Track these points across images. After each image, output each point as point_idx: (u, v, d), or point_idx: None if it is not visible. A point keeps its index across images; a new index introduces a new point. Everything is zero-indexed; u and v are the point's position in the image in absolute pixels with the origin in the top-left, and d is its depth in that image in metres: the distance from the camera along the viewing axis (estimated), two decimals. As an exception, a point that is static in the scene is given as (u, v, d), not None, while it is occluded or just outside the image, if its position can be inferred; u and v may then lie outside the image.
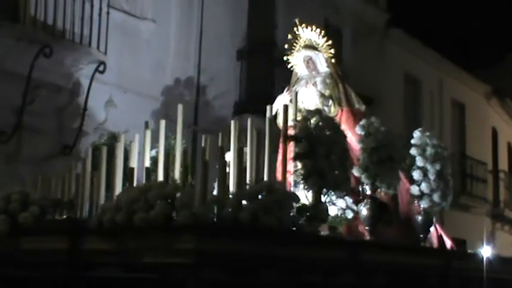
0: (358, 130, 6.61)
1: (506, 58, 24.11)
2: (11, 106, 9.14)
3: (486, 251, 7.78)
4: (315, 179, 5.74)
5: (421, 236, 7.21)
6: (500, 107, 22.78)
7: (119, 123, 9.30)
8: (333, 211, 6.88)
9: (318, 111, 6.04)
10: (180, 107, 6.30)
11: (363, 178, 6.45)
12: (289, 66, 8.02)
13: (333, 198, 6.85)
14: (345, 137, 6.09)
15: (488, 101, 22.19)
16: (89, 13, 9.63)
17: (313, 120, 5.98)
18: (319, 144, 5.80)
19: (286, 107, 6.19)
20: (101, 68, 9.60)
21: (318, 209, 5.79)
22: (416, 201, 7.21)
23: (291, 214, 5.29)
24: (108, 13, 9.84)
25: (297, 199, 5.52)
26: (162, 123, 6.28)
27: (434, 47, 18.90)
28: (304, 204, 5.61)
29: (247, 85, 13.11)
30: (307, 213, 5.60)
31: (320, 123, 5.94)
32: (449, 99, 20.29)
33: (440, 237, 7.83)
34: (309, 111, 6.06)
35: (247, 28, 13.34)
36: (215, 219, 4.80)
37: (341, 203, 6.93)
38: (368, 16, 16.82)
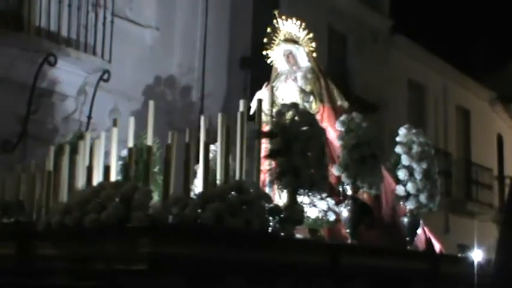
0: (338, 126, 6.20)
1: (511, 64, 23.82)
2: (15, 115, 9.00)
3: (477, 255, 7.37)
4: (289, 177, 5.32)
5: (407, 239, 6.80)
6: (505, 113, 22.58)
7: (124, 131, 9.16)
8: (313, 213, 6.49)
9: (293, 105, 5.62)
10: (151, 104, 5.92)
11: (343, 177, 6.03)
12: (268, 61, 7.61)
13: (314, 199, 6.51)
14: (323, 132, 5.67)
15: (493, 107, 22.02)
16: (93, 22, 9.65)
17: (288, 115, 5.57)
18: (294, 141, 5.39)
19: (260, 102, 5.79)
20: (105, 77, 9.61)
21: (293, 210, 5.38)
22: (402, 202, 6.78)
23: (262, 216, 4.87)
24: (112, 22, 9.87)
25: (269, 200, 5.12)
26: (131, 120, 5.93)
27: (438, 53, 18.78)
28: (277, 205, 5.19)
29: (251, 93, 12.85)
30: (281, 215, 5.18)
31: (296, 118, 5.53)
32: (454, 105, 20.20)
33: (428, 241, 7.42)
34: (283, 105, 5.65)
35: (251, 36, 13.06)
36: (175, 221, 4.38)
37: (322, 204, 6.53)
38: (372, 23, 16.71)
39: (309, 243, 5.59)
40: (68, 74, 9.38)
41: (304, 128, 5.48)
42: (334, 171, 6.05)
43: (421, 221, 7.12)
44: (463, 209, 19.22)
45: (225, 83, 12.28)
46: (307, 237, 5.82)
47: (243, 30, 12.91)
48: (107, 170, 5.19)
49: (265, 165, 5.61)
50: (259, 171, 5.45)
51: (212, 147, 6.52)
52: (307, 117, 5.56)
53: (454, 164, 19.75)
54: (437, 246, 7.42)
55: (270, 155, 5.39)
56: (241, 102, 5.81)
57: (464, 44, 22.18)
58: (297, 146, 5.35)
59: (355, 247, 5.87)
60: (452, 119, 20.07)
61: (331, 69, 15.21)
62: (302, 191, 5.44)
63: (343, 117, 6.24)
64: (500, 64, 23.44)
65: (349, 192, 6.14)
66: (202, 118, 5.64)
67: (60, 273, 4.36)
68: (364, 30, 16.42)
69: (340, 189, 6.20)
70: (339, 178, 6.19)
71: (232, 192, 4.80)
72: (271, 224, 5.04)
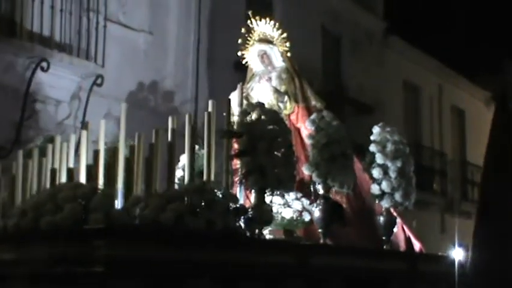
0: (308, 125, 6.14)
1: (506, 63, 23.71)
2: (9, 121, 8.95)
3: (457, 253, 7.29)
4: (255, 177, 5.26)
5: (384, 238, 6.73)
6: (500, 113, 22.51)
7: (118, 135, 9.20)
8: (288, 214, 6.43)
9: (259, 105, 5.56)
10: (123, 106, 5.86)
11: (314, 176, 5.97)
12: (244, 62, 7.55)
13: (288, 199, 6.46)
14: (289, 131, 5.61)
15: (488, 107, 21.96)
16: (86, 26, 9.67)
17: (254, 114, 5.51)
18: (259, 140, 5.32)
19: (229, 101, 5.74)
20: (99, 81, 9.61)
21: (260, 210, 5.31)
22: (377, 201, 6.72)
23: (226, 216, 4.81)
24: (105, 26, 9.87)
25: (235, 200, 5.05)
26: (102, 123, 5.88)
27: (433, 53, 18.79)
28: (242, 206, 5.12)
29: (246, 96, 12.87)
30: (247, 215, 5.12)
31: (262, 117, 5.47)
32: (449, 105, 20.22)
33: (408, 240, 7.35)
34: (249, 105, 5.59)
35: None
36: (133, 222, 4.32)
37: (297, 204, 6.48)
38: (366, 24, 16.70)
39: (276, 243, 5.52)
40: (61, 79, 9.37)
41: (270, 127, 5.42)
42: (304, 170, 5.99)
43: (399, 220, 7.06)
44: (459, 209, 19.17)
45: (218, 86, 12.14)
46: (277, 238, 5.75)
47: (236, 32, 12.90)
48: (70, 172, 5.12)
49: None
50: (227, 171, 5.41)
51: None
52: (273, 116, 5.50)
53: (449, 164, 19.71)
54: (417, 245, 7.35)
55: (237, 155, 5.33)
56: (210, 103, 5.76)
57: (459, 44, 22.15)
58: (262, 145, 5.29)
59: (326, 247, 5.81)
60: (447, 119, 20.09)
61: (326, 71, 15.36)
62: (269, 190, 5.37)
63: (313, 116, 6.18)
64: (496, 64, 23.30)
65: (321, 191, 6.07)
66: (170, 118, 5.57)
67: (17, 278, 4.28)
68: (359, 31, 16.40)
69: (312, 188, 6.12)
70: (310, 177, 6.12)
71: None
72: (237, 224, 4.98)
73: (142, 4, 11.00)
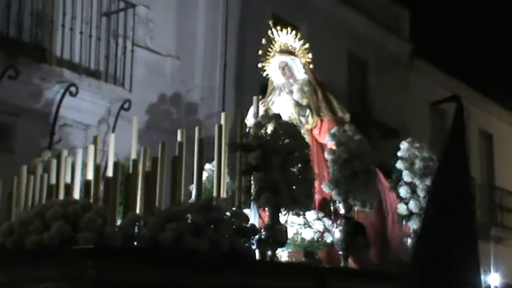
0: (329, 139, 5.72)
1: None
2: (38, 145, 8.79)
3: (493, 279, 6.81)
4: (267, 194, 4.86)
5: (411, 262, 6.25)
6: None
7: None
8: (309, 234, 6.01)
9: (275, 116, 5.17)
10: (135, 120, 5.57)
11: (334, 195, 5.54)
12: (264, 74, 7.17)
13: (309, 219, 6.04)
14: (307, 145, 5.19)
15: (517, 131, 21.55)
16: (114, 51, 9.72)
17: (270, 127, 5.13)
18: (274, 154, 4.93)
19: (242, 113, 5.38)
20: (126, 106, 9.59)
21: (274, 230, 4.91)
22: (404, 222, 6.26)
23: (232, 236, 4.41)
24: (132, 51, 9.91)
25: (244, 219, 4.66)
26: (112, 137, 5.60)
27: (459, 76, 18.48)
28: (253, 225, 4.72)
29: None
30: (258, 236, 4.71)
31: (278, 130, 5.07)
32: (477, 129, 19.87)
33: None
34: (264, 116, 5.19)
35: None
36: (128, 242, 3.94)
37: (318, 225, 6.05)
38: (392, 47, 16.56)
39: (289, 266, 5.09)
40: (90, 104, 9.43)
41: (286, 141, 5.03)
42: (324, 187, 5.57)
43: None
44: (488, 235, 18.64)
45: (245, 110, 12.10)
46: (291, 261, 5.34)
47: (262, 57, 12.77)
48: (67, 188, 4.78)
49: None
50: (240, 188, 5.03)
51: (208, 166, 6.12)
52: (290, 129, 5.10)
53: (477, 189, 19.28)
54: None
55: (248, 170, 4.93)
56: (222, 115, 5.41)
57: (486, 67, 21.85)
58: (276, 160, 4.90)
59: (346, 270, 5.36)
60: (475, 143, 19.71)
61: (351, 94, 15.30)
62: (284, 209, 4.97)
63: (334, 130, 5.77)
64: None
65: (342, 210, 5.64)
66: (179, 132, 5.23)
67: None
68: (384, 54, 16.31)
69: (332, 208, 5.70)
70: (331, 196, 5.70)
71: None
72: (246, 245, 4.58)
73: (170, 29, 11.04)
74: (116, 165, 4.79)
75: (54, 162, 5.41)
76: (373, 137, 14.18)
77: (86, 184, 4.64)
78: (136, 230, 4.16)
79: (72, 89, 8.94)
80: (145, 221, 4.18)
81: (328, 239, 5.94)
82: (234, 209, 4.72)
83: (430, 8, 18.85)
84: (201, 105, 11.44)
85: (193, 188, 5.67)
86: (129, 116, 9.54)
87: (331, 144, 5.80)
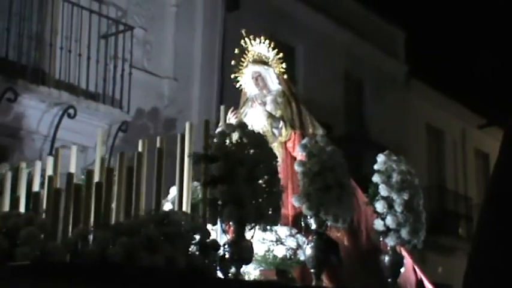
0: (300, 151, 5.42)
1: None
2: None
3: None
4: (231, 208, 4.55)
5: (389, 280, 5.95)
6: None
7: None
8: (281, 252, 5.70)
9: (240, 125, 4.87)
10: (100, 131, 5.29)
11: (304, 209, 5.23)
12: (237, 85, 6.90)
13: (282, 235, 5.74)
14: (274, 156, 4.89)
15: (513, 151, 21.41)
16: (112, 74, 9.83)
17: (234, 137, 4.83)
18: (238, 165, 4.63)
19: (207, 122, 5.08)
20: (124, 127, 9.72)
21: (237, 246, 4.60)
22: (381, 238, 5.96)
23: (189, 252, 4.10)
24: (130, 73, 9.98)
25: (205, 234, 4.35)
26: (74, 149, 5.43)
27: (456, 97, 18.58)
28: (214, 241, 4.41)
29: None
30: (219, 252, 4.40)
31: (243, 140, 4.78)
32: (473, 149, 19.93)
33: (420, 283, 6.56)
34: (228, 125, 4.90)
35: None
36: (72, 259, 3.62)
37: (291, 242, 5.74)
38: (388, 68, 16.63)
39: (252, 285, 4.76)
40: (88, 126, 9.41)
41: (252, 151, 4.73)
42: (294, 201, 5.26)
43: (409, 260, 6.30)
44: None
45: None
46: (259, 279, 5.01)
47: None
48: (16, 200, 4.47)
49: None
50: (204, 201, 4.73)
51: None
52: (256, 139, 4.80)
53: (474, 209, 19.08)
54: (430, 290, 6.56)
55: (209, 182, 4.62)
56: (186, 125, 5.13)
57: (482, 87, 21.83)
58: (241, 172, 4.59)
59: (316, 290, 5.04)
60: (471, 163, 19.77)
61: (348, 114, 15.40)
62: (249, 224, 4.66)
63: (305, 140, 5.47)
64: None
65: (314, 226, 5.33)
66: (140, 142, 4.94)
67: None
68: (381, 75, 16.32)
69: (303, 223, 5.39)
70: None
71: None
72: (206, 262, 4.26)
73: (167, 51, 11.12)
74: (70, 176, 4.49)
75: (7, 176, 5.14)
76: (369, 157, 13.96)
77: (34, 196, 4.32)
78: (84, 246, 3.84)
79: (71, 111, 9.05)
80: (95, 235, 3.86)
81: (302, 256, 5.64)
82: (192, 222, 4.41)
83: (425, 28, 18.95)
84: (198, 127, 11.29)
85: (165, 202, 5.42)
86: (127, 137, 9.80)
87: (301, 155, 5.51)
